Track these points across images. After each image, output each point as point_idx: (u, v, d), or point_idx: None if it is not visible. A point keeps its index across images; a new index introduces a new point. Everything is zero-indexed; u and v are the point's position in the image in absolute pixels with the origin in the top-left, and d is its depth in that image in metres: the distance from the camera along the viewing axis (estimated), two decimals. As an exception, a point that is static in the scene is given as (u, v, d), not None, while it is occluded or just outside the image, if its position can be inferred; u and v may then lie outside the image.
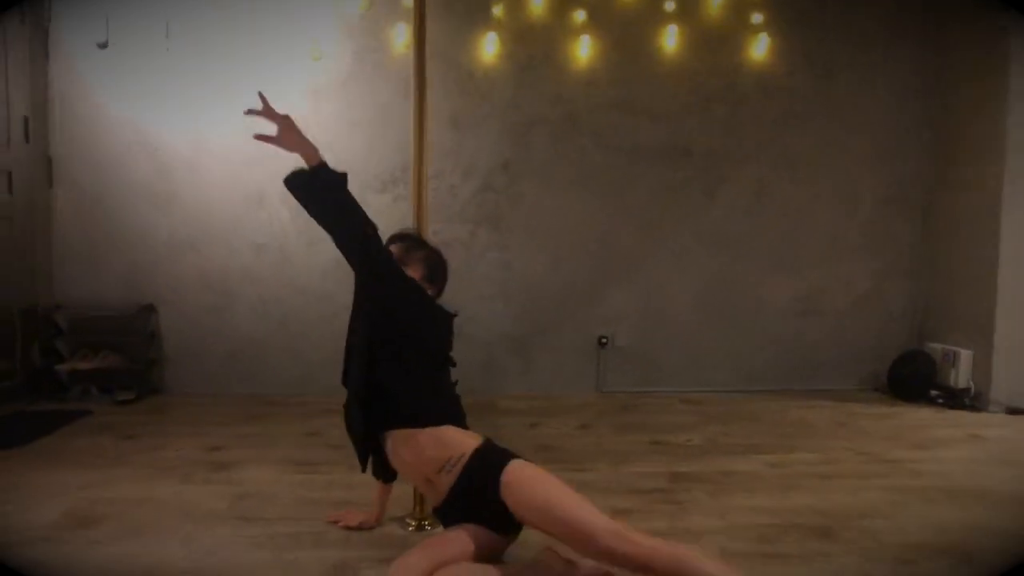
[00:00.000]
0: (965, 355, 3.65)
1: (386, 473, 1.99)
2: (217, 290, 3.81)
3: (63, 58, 3.69)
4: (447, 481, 1.73)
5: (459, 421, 1.85)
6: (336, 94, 3.78)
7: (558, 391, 3.89)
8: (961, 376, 3.64)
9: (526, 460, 1.74)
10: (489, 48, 3.80)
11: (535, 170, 3.89)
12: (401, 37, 3.73)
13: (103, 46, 3.68)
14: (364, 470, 1.95)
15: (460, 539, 1.67)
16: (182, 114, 3.73)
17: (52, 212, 3.73)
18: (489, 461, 1.72)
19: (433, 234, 3.71)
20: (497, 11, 3.79)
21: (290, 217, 3.77)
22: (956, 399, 3.63)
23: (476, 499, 1.70)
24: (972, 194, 3.70)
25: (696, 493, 2.37)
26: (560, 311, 3.95)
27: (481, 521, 1.71)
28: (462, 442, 1.76)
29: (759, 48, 3.89)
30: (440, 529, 1.87)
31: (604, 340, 3.93)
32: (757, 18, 3.87)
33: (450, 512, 1.77)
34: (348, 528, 2.05)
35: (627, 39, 3.86)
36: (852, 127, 3.99)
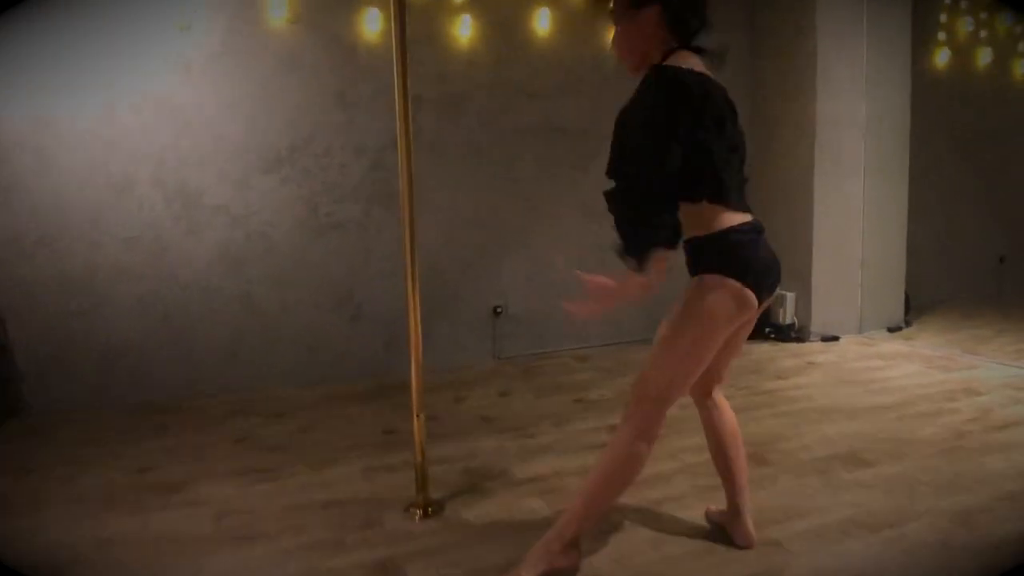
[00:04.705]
0: (790, 297, 4.45)
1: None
2: (81, 292, 3.37)
3: None
4: None
5: None
6: (210, 69, 3.45)
7: (459, 362, 4.06)
8: (788, 314, 4.45)
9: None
10: (371, 25, 3.72)
11: (424, 147, 3.92)
12: (277, 11, 3.52)
13: None
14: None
15: None
16: (25, 97, 3.17)
17: None
18: None
19: (326, 215, 3.74)
20: (377, -15, 3.71)
21: (164, 203, 3.43)
22: (784, 333, 4.44)
23: None
24: (791, 165, 4.46)
25: (643, 442, 2.73)
26: (456, 284, 4.09)
27: None
28: None
29: (619, 32, 4.26)
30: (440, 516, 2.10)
31: (499, 309, 4.16)
32: (615, 4, 4.23)
33: None
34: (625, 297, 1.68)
35: (504, 20, 4.00)
36: (694, 105, 4.56)
